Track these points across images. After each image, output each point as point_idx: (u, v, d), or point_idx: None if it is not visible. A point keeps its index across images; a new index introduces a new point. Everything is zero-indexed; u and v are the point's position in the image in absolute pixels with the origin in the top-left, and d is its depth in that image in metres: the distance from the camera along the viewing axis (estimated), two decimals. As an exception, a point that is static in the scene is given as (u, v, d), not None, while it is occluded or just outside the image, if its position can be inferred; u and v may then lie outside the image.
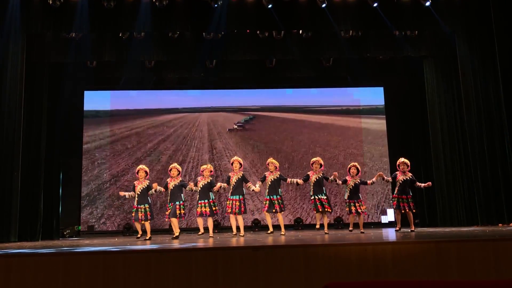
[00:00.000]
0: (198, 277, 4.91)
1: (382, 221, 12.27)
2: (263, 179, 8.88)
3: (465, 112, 10.28)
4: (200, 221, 8.85)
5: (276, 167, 8.87)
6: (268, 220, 8.94)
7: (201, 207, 8.66)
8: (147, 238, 8.68)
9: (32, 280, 4.84)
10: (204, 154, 12.83)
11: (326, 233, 8.65)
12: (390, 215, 12.37)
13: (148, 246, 6.79)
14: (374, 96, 13.35)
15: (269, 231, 8.82)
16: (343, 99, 13.44)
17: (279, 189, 8.82)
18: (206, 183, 8.73)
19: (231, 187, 8.74)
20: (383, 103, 13.24)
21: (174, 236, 8.58)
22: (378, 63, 12.31)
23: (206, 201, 8.66)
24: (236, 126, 12.97)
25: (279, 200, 8.70)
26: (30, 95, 10.21)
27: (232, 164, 8.94)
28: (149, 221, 8.86)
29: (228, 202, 8.82)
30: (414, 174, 11.59)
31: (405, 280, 2.97)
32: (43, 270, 4.89)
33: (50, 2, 9.57)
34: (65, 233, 11.49)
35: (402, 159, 8.99)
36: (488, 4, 9.98)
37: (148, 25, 10.08)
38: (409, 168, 8.90)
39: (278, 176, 8.82)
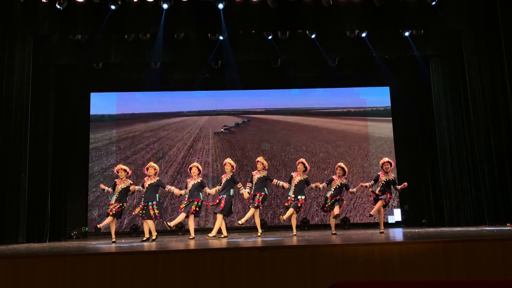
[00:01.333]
0: (205, 277, 4.91)
1: (389, 221, 12.23)
2: (251, 179, 8.87)
3: (472, 110, 10.23)
4: (191, 224, 8.76)
5: (264, 167, 8.86)
6: (254, 218, 8.82)
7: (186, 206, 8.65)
8: (113, 240, 8.62)
9: (40, 281, 4.87)
10: (180, 152, 12.87)
11: (294, 234, 8.66)
12: (396, 215, 12.34)
13: (155, 247, 6.81)
14: (380, 96, 13.31)
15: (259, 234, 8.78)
16: (349, 99, 13.40)
17: (265, 188, 8.79)
18: (196, 182, 8.73)
19: (222, 188, 8.76)
20: (389, 102, 13.20)
21: (145, 238, 8.58)
22: (384, 63, 12.28)
23: (194, 199, 8.63)
24: (222, 129, 12.98)
25: (263, 196, 8.68)
26: (37, 97, 10.27)
27: (224, 165, 8.94)
28: (115, 220, 8.78)
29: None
30: (421, 174, 11.60)
31: (412, 280, 2.96)
32: (51, 271, 4.92)
33: (57, 4, 9.64)
34: (72, 234, 11.53)
35: (386, 159, 8.96)
36: (495, 2, 9.93)
37: (154, 26, 10.13)
38: (391, 167, 8.86)
39: (265, 175, 8.82)
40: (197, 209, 8.60)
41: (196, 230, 9.02)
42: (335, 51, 11.29)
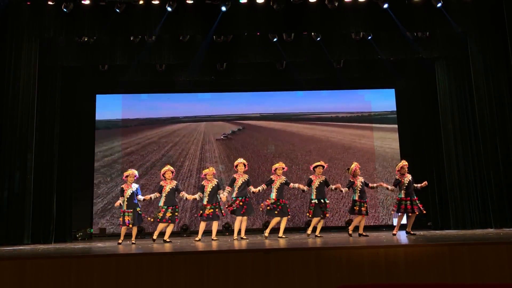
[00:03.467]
0: (210, 280, 4.92)
1: (394, 224, 12.17)
2: (269, 183, 8.83)
3: (478, 113, 10.19)
4: (202, 226, 8.88)
5: (284, 172, 8.87)
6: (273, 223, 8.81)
7: (209, 209, 8.69)
8: (133, 242, 8.63)
9: (45, 282, 4.89)
10: (197, 151, 13.02)
11: (318, 236, 8.63)
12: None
13: (160, 249, 6.81)
14: (385, 98, 13.29)
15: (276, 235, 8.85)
16: (354, 101, 13.39)
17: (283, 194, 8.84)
18: (214, 185, 8.79)
19: (236, 189, 8.75)
20: (394, 105, 13.17)
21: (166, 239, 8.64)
22: (390, 65, 12.25)
23: (214, 203, 8.72)
24: (222, 137, 13.10)
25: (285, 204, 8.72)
26: (43, 99, 10.31)
27: (236, 166, 8.93)
28: (136, 226, 8.78)
29: (234, 203, 8.74)
30: (426, 177, 11.54)
31: (417, 283, 2.95)
32: (56, 272, 4.93)
33: (63, 7, 9.69)
34: (77, 235, 11.56)
35: (404, 162, 8.97)
36: (501, 4, 9.89)
37: (159, 28, 10.16)
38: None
39: (285, 180, 8.81)
40: (216, 211, 8.74)
41: (198, 233, 9.02)
42: (340, 53, 11.26)
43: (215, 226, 8.89)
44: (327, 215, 8.91)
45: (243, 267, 4.96)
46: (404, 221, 11.68)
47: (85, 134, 12.52)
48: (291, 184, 8.84)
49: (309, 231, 8.81)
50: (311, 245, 6.38)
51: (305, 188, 8.82)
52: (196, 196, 8.92)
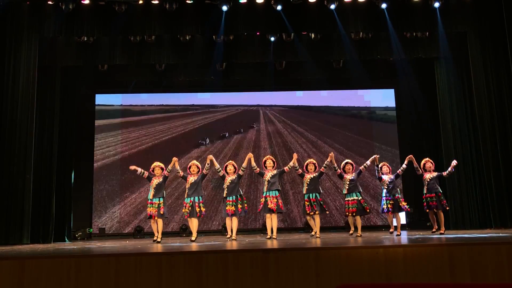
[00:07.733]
0: (209, 279, 4.91)
1: (394, 224, 12.15)
2: (302, 175, 8.74)
3: (477, 113, 10.19)
4: (228, 222, 8.48)
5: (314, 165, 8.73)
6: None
7: (229, 206, 8.34)
8: (159, 240, 8.41)
9: (45, 282, 4.89)
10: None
11: (359, 235, 8.49)
12: (401, 218, 12.26)
13: (159, 248, 6.81)
14: (384, 98, 13.30)
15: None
16: (354, 101, 13.39)
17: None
18: (234, 178, 8.47)
19: (266, 182, 8.42)
20: (394, 105, 13.18)
21: (193, 238, 8.38)
22: (389, 65, 12.25)
23: (233, 198, 8.37)
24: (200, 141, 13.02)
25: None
26: (42, 99, 10.32)
27: (264, 163, 8.63)
28: (161, 219, 8.49)
29: (262, 200, 8.49)
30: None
31: (417, 283, 2.95)
32: (55, 272, 4.93)
33: (62, 7, 9.68)
34: (77, 235, 11.56)
35: (427, 159, 9.00)
36: (500, 3, 9.90)
37: (159, 28, 10.16)
38: (433, 166, 8.93)
39: (317, 174, 8.66)
40: (238, 206, 8.39)
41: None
42: (339, 53, 11.26)
43: (234, 223, 8.40)
44: (368, 209, 8.90)
45: (242, 267, 4.96)
46: (403, 221, 11.69)
47: (85, 134, 12.51)
48: (323, 169, 8.69)
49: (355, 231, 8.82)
50: (310, 245, 6.38)
51: (323, 170, 8.70)
52: (204, 169, 8.49)
